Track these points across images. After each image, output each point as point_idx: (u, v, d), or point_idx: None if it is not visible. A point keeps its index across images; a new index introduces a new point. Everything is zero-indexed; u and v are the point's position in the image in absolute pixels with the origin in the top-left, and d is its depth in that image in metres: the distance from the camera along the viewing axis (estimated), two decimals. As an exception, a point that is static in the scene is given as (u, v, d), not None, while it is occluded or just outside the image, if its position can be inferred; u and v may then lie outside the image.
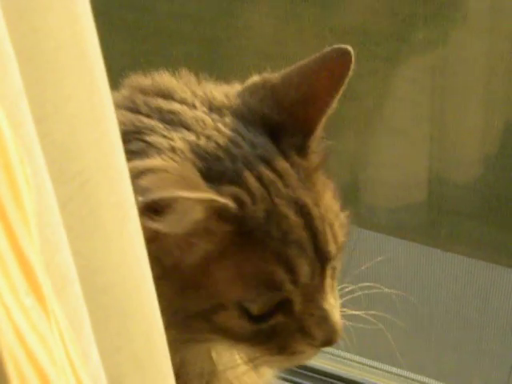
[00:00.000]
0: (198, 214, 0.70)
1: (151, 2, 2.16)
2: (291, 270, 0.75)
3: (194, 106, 0.78)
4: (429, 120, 1.82)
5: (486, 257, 1.72)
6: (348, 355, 1.52)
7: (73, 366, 0.41)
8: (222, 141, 0.75)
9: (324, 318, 0.78)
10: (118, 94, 0.81)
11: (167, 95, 0.79)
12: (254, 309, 0.75)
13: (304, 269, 0.75)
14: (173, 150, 0.73)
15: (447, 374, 1.56)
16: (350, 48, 0.78)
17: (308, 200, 0.76)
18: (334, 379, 1.48)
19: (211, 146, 0.75)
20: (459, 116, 1.80)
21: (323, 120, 0.80)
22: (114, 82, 0.76)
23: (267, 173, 0.75)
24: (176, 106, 0.78)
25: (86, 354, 0.46)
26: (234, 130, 0.77)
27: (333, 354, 1.50)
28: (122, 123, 0.75)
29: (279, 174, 0.76)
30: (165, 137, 0.74)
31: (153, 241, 0.70)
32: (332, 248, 0.78)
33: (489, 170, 1.79)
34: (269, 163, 0.76)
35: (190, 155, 0.73)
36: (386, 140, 1.86)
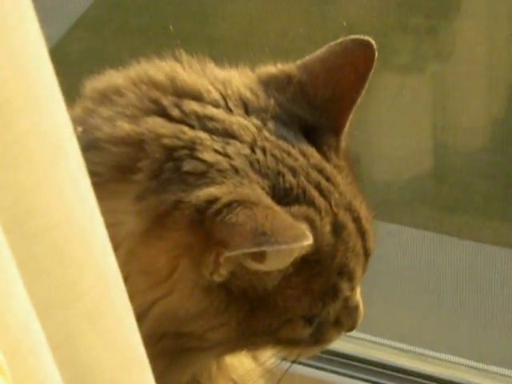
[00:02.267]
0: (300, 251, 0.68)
1: (155, 5, 2.15)
2: (350, 278, 0.75)
3: (229, 109, 0.73)
4: (432, 90, 1.79)
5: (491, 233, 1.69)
6: (358, 334, 1.48)
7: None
8: (276, 152, 0.71)
9: (355, 309, 0.80)
10: (115, 84, 0.75)
11: (196, 96, 0.73)
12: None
13: (359, 274, 0.77)
14: (236, 171, 0.69)
15: (460, 347, 1.51)
16: (372, 40, 0.76)
17: (356, 203, 0.76)
18: (346, 359, 1.46)
19: (269, 160, 0.71)
20: (463, 85, 1.76)
21: (350, 117, 0.77)
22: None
23: (324, 183, 0.73)
24: (212, 111, 0.72)
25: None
26: (281, 137, 0.73)
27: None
28: (163, 136, 0.70)
29: (332, 182, 0.74)
30: (219, 153, 0.69)
31: (232, 273, 0.69)
32: (373, 245, 0.79)
33: (495, 137, 1.75)
34: (321, 172, 0.74)
35: (253, 175, 0.69)
36: (389, 111, 1.82)
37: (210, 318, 0.71)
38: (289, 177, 0.71)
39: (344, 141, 0.78)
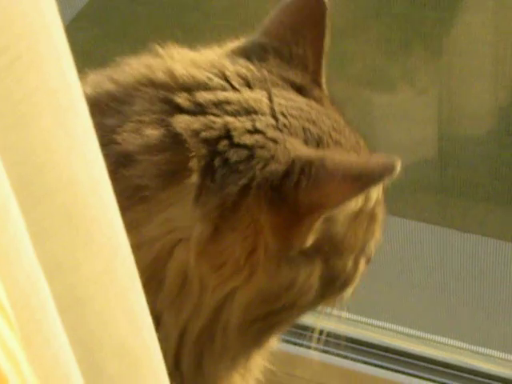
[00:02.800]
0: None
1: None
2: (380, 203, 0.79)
3: (236, 89, 0.74)
4: (438, 73, 1.78)
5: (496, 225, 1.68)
6: (363, 318, 1.49)
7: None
8: (293, 112, 0.74)
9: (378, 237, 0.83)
10: (107, 92, 0.73)
11: (202, 86, 0.73)
12: None
13: (383, 198, 0.80)
14: (275, 141, 0.70)
15: (464, 332, 1.52)
16: None
17: (359, 137, 0.79)
18: (352, 343, 1.46)
19: (292, 121, 0.73)
20: (470, 68, 1.75)
21: (324, 66, 0.81)
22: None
23: (336, 125, 0.76)
24: (224, 95, 0.73)
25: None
26: (288, 99, 0.75)
27: (348, 318, 1.47)
28: (199, 130, 0.70)
29: (341, 124, 0.77)
30: (252, 132, 0.71)
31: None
32: None
33: (502, 124, 1.74)
34: (330, 117, 0.76)
35: (289, 139, 0.71)
36: (396, 93, 1.81)
37: (301, 284, 0.73)
38: (314, 128, 0.73)
39: (326, 89, 0.81)
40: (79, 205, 0.46)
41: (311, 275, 0.73)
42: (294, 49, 0.79)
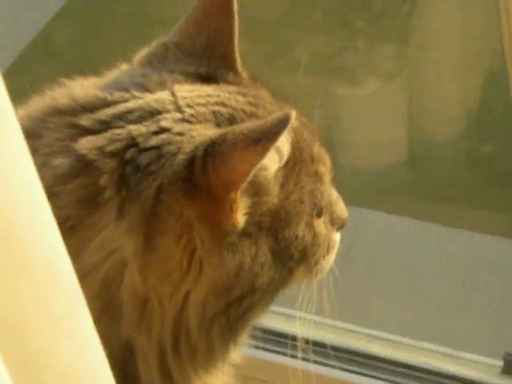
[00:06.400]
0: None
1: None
2: (324, 162, 0.80)
3: (136, 97, 0.74)
4: (407, 77, 1.78)
5: (466, 219, 1.68)
6: (332, 322, 1.48)
7: None
8: (200, 100, 0.74)
9: (339, 201, 0.84)
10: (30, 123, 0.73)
11: (103, 103, 0.74)
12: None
13: (327, 157, 0.82)
14: (181, 134, 0.70)
15: (432, 334, 1.51)
16: None
17: (285, 104, 0.80)
18: (319, 346, 1.43)
19: (199, 109, 0.73)
20: (438, 72, 1.75)
21: (237, 49, 0.81)
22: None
23: (252, 100, 0.77)
24: (125, 106, 0.73)
25: None
26: (193, 90, 0.75)
27: (316, 322, 1.46)
28: (103, 146, 0.70)
29: (259, 97, 0.78)
30: (158, 132, 0.71)
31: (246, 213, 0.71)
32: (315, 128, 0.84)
33: (471, 126, 1.75)
34: (245, 95, 0.77)
35: (196, 127, 0.71)
36: (364, 99, 1.81)
37: (250, 265, 0.72)
38: (224, 109, 0.73)
39: (245, 71, 0.82)
40: (18, 228, 0.46)
41: (258, 253, 0.73)
42: (197, 40, 0.80)
